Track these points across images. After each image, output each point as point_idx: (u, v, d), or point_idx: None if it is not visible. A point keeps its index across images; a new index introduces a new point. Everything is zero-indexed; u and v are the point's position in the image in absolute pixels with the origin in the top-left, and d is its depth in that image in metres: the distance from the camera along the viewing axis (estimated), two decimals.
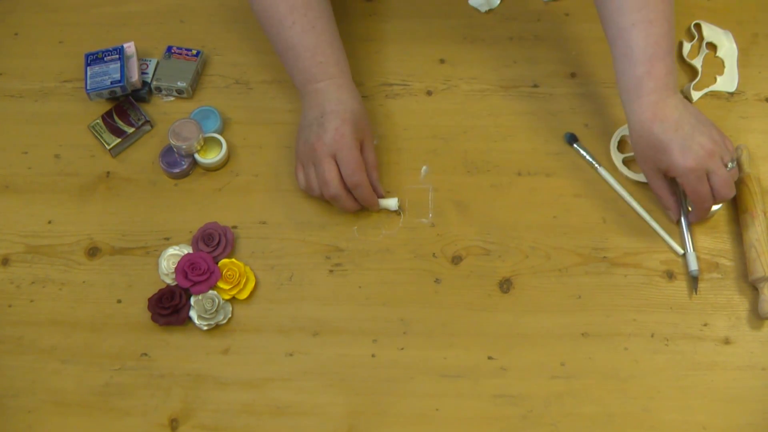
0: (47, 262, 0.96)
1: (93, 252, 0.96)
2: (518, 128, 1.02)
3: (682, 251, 0.94)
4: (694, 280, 0.92)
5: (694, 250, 0.93)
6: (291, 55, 0.96)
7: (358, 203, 0.94)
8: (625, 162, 0.99)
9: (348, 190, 0.92)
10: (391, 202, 0.96)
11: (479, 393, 0.88)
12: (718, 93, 1.04)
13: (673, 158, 0.86)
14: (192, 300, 0.92)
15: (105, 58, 1.04)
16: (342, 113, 0.92)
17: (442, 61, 1.07)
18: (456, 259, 0.94)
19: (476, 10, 1.10)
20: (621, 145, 1.00)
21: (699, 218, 0.93)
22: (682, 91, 1.04)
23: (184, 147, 0.98)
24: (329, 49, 0.95)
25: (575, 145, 1.00)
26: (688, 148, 0.85)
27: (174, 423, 0.87)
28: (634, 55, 0.87)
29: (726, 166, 0.87)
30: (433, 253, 0.95)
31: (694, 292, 0.92)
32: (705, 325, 0.91)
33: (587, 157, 0.99)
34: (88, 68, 1.03)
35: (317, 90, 0.94)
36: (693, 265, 0.92)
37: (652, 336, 0.90)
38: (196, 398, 0.88)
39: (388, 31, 1.09)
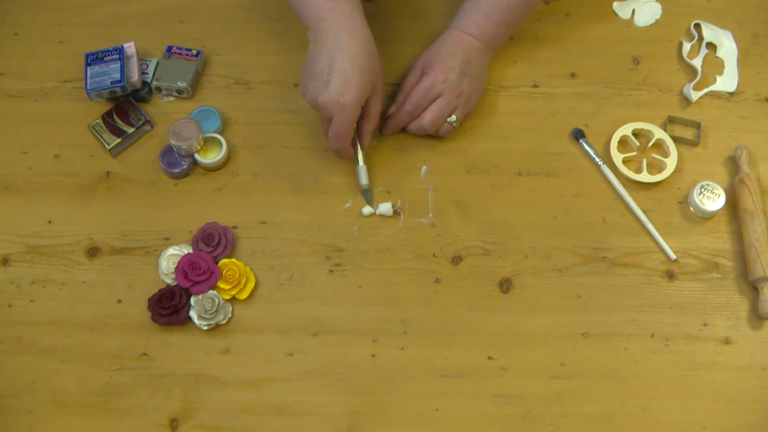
0: (47, 262, 0.96)
1: (93, 252, 0.96)
2: (518, 128, 1.02)
3: (674, 257, 0.94)
4: (365, 193, 0.97)
5: (364, 163, 0.97)
6: None
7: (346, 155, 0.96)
8: (625, 162, 1.00)
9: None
10: (385, 208, 0.96)
11: (479, 393, 0.88)
12: (718, 93, 1.04)
13: (437, 65, 0.95)
14: (192, 300, 0.92)
15: (105, 58, 1.04)
16: (350, 74, 0.88)
17: None
18: (456, 259, 0.94)
19: None
20: (621, 145, 1.00)
21: (389, 127, 0.99)
22: (682, 92, 1.04)
23: (184, 147, 0.98)
24: None
25: (581, 141, 1.00)
26: (450, 69, 0.95)
27: (174, 423, 0.87)
28: (481, 3, 0.98)
29: (450, 114, 0.96)
30: (433, 253, 0.95)
31: (369, 205, 0.97)
32: (705, 325, 0.91)
33: (591, 153, 0.99)
34: (88, 68, 1.03)
35: (327, 30, 0.90)
36: (363, 180, 0.97)
37: (652, 336, 0.90)
38: (196, 398, 0.88)
39: (388, 31, 1.09)
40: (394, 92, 1.03)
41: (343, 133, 0.91)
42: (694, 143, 1.01)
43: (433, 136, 1.00)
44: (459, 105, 0.97)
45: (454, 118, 0.97)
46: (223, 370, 0.89)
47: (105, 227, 0.97)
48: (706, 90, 1.04)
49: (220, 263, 0.93)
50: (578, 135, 1.01)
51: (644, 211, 0.96)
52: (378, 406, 0.87)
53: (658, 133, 1.00)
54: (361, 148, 0.97)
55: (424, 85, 0.95)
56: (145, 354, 0.91)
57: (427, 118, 0.96)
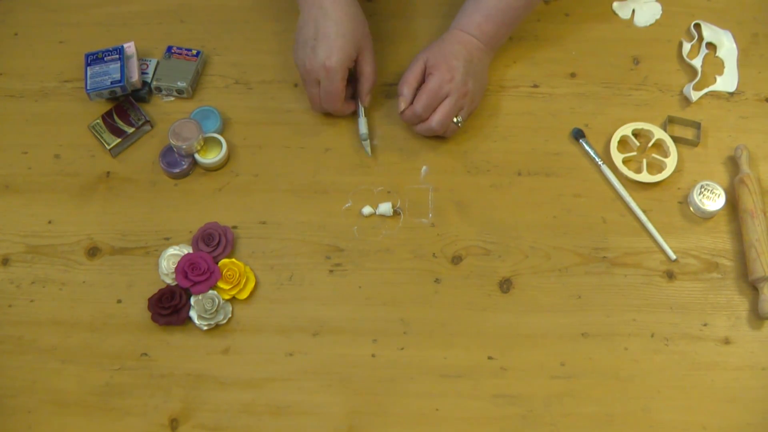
0: (47, 262, 0.96)
1: (93, 252, 0.96)
2: (518, 128, 1.02)
3: (674, 257, 0.94)
4: (365, 143, 1.00)
5: (365, 116, 1.01)
6: None
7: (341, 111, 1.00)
8: (625, 162, 1.00)
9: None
10: (385, 208, 0.96)
11: (479, 393, 0.88)
12: (718, 93, 1.04)
13: (442, 64, 0.96)
14: (192, 300, 0.92)
15: (105, 58, 1.04)
16: (334, 38, 0.93)
17: None
18: (456, 259, 0.94)
19: None
20: (621, 145, 1.00)
21: (407, 115, 0.98)
22: (682, 92, 1.04)
23: (184, 147, 0.98)
24: None
25: (581, 141, 1.00)
26: (456, 69, 0.96)
27: (174, 423, 0.87)
28: (482, 3, 0.99)
29: (456, 114, 0.97)
30: (433, 253, 0.95)
31: (368, 154, 1.00)
32: (705, 325, 0.91)
33: (591, 153, 0.99)
34: (88, 68, 1.03)
35: (313, 1, 0.95)
36: (363, 128, 1.00)
37: (652, 336, 0.90)
38: (196, 398, 0.88)
39: (388, 31, 1.09)
40: (391, 92, 1.03)
41: (334, 94, 0.96)
42: (694, 143, 1.01)
43: (437, 136, 1.00)
44: (465, 104, 0.97)
45: (460, 117, 0.98)
46: (223, 370, 0.89)
47: (105, 227, 0.97)
48: (706, 90, 1.04)
49: (220, 263, 0.93)
50: (578, 135, 1.01)
51: (644, 211, 0.96)
52: (378, 406, 0.87)
53: (658, 133, 1.00)
54: (363, 104, 1.00)
55: (432, 86, 0.95)
56: (145, 354, 0.91)
57: (437, 119, 0.96)
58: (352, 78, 1.00)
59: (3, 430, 0.87)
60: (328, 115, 1.02)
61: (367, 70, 0.98)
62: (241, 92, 1.06)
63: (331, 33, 0.93)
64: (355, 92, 1.01)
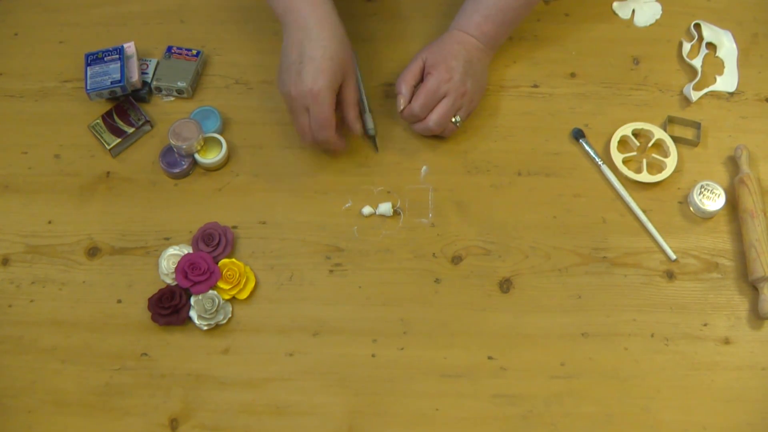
0: (47, 262, 0.96)
1: (93, 252, 0.96)
2: (518, 128, 1.02)
3: (674, 257, 0.94)
4: (372, 139, 1.00)
5: (370, 111, 1.01)
6: None
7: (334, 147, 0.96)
8: (625, 162, 1.00)
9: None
10: (385, 208, 0.96)
11: (479, 393, 0.88)
12: (718, 93, 1.04)
13: (441, 64, 0.96)
14: (192, 300, 0.92)
15: (105, 58, 1.04)
16: (320, 61, 0.89)
17: None
18: (456, 259, 0.94)
19: None
20: (621, 145, 1.00)
21: (405, 114, 0.98)
22: (682, 92, 1.04)
23: (184, 147, 0.98)
24: None
25: (581, 141, 1.00)
26: (454, 69, 0.95)
27: (174, 423, 0.87)
28: (481, 3, 0.99)
29: (455, 114, 0.97)
30: (433, 253, 0.95)
31: (375, 150, 1.00)
32: (705, 325, 0.91)
33: (591, 153, 0.99)
34: (88, 68, 1.03)
35: (297, 22, 0.91)
36: (369, 123, 1.00)
37: (652, 336, 0.90)
38: (196, 398, 0.88)
39: (388, 31, 1.09)
40: (391, 92, 1.03)
41: (325, 120, 0.91)
42: (694, 143, 1.01)
43: (436, 136, 1.00)
44: (463, 104, 0.97)
45: (458, 117, 0.97)
46: (223, 370, 0.89)
47: (105, 227, 0.97)
48: (706, 90, 1.04)
49: (220, 263, 0.93)
50: (578, 135, 1.01)
51: (644, 211, 0.96)
52: (378, 406, 0.87)
53: (658, 133, 1.00)
54: (354, 133, 0.97)
55: (430, 86, 0.95)
56: (145, 354, 0.91)
57: (434, 119, 0.96)
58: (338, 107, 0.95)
59: (3, 430, 0.87)
60: (326, 151, 0.99)
61: (349, 98, 0.94)
62: (241, 92, 1.06)
63: (317, 55, 0.89)
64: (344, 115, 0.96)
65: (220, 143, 1.00)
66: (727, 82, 1.05)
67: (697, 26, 1.09)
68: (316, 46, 0.90)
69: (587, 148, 1.00)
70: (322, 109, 0.90)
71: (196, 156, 0.99)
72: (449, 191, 0.98)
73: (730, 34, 1.08)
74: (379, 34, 1.09)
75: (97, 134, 1.02)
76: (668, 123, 1.01)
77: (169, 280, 0.93)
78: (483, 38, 0.98)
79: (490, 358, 0.90)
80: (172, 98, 1.05)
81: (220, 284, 0.92)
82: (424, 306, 0.92)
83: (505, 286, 0.93)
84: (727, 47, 1.07)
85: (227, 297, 0.92)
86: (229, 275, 0.92)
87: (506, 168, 1.00)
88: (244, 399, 0.88)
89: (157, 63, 1.06)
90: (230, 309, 0.92)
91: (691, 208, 0.97)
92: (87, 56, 1.04)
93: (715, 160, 1.00)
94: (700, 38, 1.08)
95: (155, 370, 0.90)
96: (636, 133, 1.01)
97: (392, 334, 0.91)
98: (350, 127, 0.96)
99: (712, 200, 0.95)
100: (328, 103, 0.90)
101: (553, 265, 0.94)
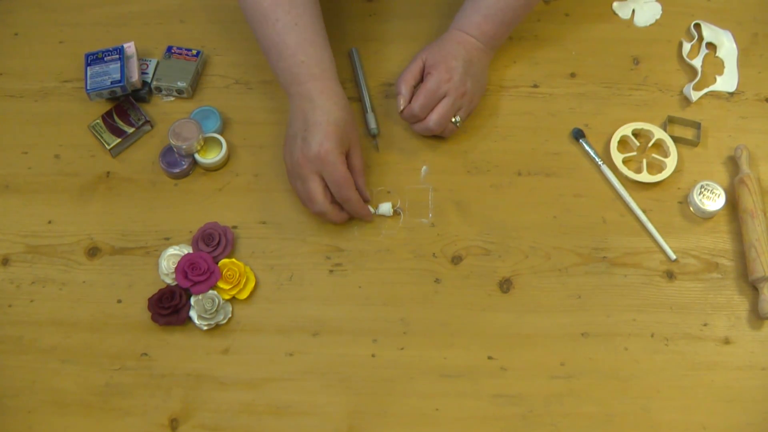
0: (47, 262, 0.96)
1: (93, 252, 0.96)
2: (518, 128, 1.02)
3: (674, 257, 0.94)
4: (374, 138, 1.01)
5: (372, 111, 1.02)
6: (274, 54, 0.94)
7: (346, 215, 0.94)
8: (625, 162, 1.00)
9: (334, 203, 0.92)
10: (385, 208, 0.96)
11: (479, 393, 0.88)
12: (718, 93, 1.04)
13: (441, 64, 0.96)
14: (192, 300, 0.92)
15: (105, 58, 1.04)
16: (325, 125, 0.89)
17: None
18: (456, 259, 0.94)
19: None
20: (621, 145, 1.00)
21: (405, 114, 0.98)
22: (682, 92, 1.04)
23: (184, 147, 0.98)
24: (311, 48, 0.93)
25: (581, 141, 1.00)
26: (454, 69, 0.96)
27: (174, 423, 0.87)
28: (481, 3, 0.99)
29: (454, 114, 0.97)
30: (433, 253, 0.95)
31: (376, 150, 1.01)
32: (705, 325, 0.91)
33: (591, 153, 0.99)
34: (88, 68, 1.03)
35: (300, 93, 0.92)
36: (372, 123, 1.01)
37: (652, 336, 0.90)
38: (196, 398, 0.88)
39: (388, 31, 1.09)
40: (391, 92, 1.03)
41: (342, 178, 0.89)
42: (694, 143, 1.01)
43: (436, 136, 1.00)
44: (463, 105, 0.97)
45: (458, 117, 0.97)
46: (223, 370, 0.89)
47: (105, 227, 0.97)
48: (706, 90, 1.04)
49: (220, 263, 0.93)
50: (578, 135, 1.01)
51: (644, 211, 0.96)
52: (378, 406, 0.87)
53: (658, 133, 1.00)
54: (365, 200, 0.95)
55: (430, 86, 0.95)
56: (145, 354, 0.91)
57: (434, 119, 0.96)
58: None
59: (3, 430, 0.87)
60: (329, 220, 0.94)
61: (356, 165, 0.94)
62: (241, 92, 1.06)
63: (322, 121, 0.89)
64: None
65: (220, 143, 1.00)
66: (727, 82, 1.05)
67: (697, 26, 1.09)
68: (320, 112, 0.90)
69: (587, 148, 1.00)
70: (335, 168, 0.89)
71: (196, 156, 0.99)
72: (449, 191, 0.98)
73: (730, 34, 1.08)
74: (379, 34, 1.09)
75: (97, 134, 1.02)
76: (668, 123, 1.01)
77: (169, 280, 0.93)
78: (483, 38, 0.98)
79: (490, 358, 0.90)
80: (172, 98, 1.05)
81: (220, 284, 0.92)
82: (424, 306, 0.92)
83: (505, 286, 0.93)
84: (727, 47, 1.07)
85: (227, 297, 0.92)
86: (229, 275, 0.92)
87: (506, 168, 1.00)
88: (244, 399, 0.88)
89: (157, 63, 1.06)
90: (230, 309, 0.92)
91: (691, 208, 0.97)
92: (87, 56, 1.04)
93: (715, 160, 1.00)
94: (700, 38, 1.08)
95: (155, 370, 0.90)
96: (636, 133, 1.01)
97: (392, 334, 0.91)
98: (361, 194, 0.95)
99: (712, 200, 0.95)
100: (341, 162, 0.89)
101: (553, 265, 0.94)
